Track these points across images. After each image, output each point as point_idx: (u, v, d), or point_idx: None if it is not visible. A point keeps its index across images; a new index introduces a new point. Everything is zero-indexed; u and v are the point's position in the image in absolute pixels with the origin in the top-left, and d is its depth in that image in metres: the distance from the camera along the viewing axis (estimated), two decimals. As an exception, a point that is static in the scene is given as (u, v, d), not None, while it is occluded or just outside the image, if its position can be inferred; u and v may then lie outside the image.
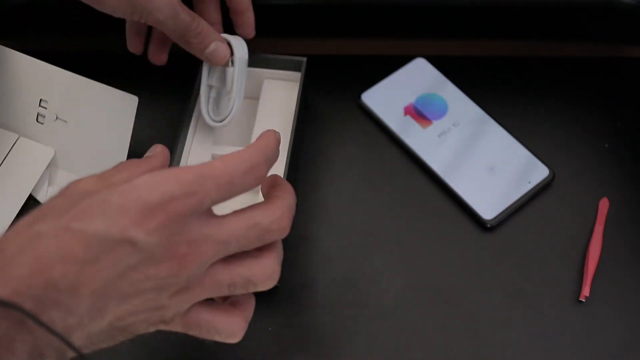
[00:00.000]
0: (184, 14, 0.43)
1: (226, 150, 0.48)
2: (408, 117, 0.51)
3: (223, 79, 0.48)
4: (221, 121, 0.48)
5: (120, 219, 0.28)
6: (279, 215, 0.33)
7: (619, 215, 0.48)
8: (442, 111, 0.52)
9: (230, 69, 0.47)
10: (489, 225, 0.47)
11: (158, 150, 0.37)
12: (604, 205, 0.48)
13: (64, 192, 0.31)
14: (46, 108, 0.50)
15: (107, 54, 0.57)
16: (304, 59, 0.50)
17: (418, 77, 0.54)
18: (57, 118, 0.50)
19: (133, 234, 0.28)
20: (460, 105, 0.52)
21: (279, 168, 0.46)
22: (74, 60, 0.50)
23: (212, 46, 0.45)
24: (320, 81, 0.52)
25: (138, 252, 0.28)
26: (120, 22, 0.57)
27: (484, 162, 0.50)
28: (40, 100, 0.50)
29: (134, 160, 0.35)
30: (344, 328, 0.45)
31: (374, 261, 0.47)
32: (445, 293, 0.46)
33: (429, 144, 0.50)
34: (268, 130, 0.35)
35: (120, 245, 0.28)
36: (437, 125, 0.51)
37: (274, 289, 0.36)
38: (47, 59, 0.49)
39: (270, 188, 0.36)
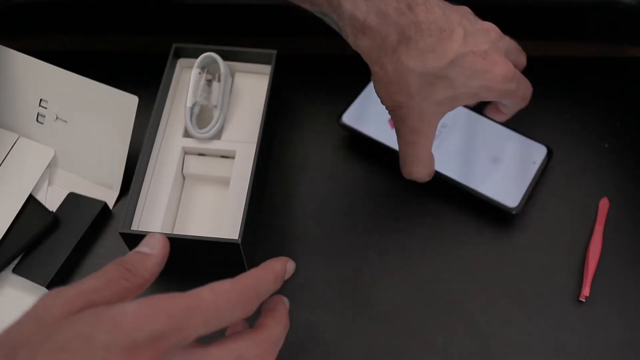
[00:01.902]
0: None
1: (196, 144, 0.49)
2: None
3: (209, 93, 0.50)
4: (205, 133, 0.49)
5: (107, 358, 0.26)
6: (264, 348, 0.32)
7: (619, 215, 0.48)
8: None
9: (216, 84, 0.50)
10: (514, 212, 0.47)
11: (156, 251, 0.33)
12: (604, 205, 0.48)
13: (36, 315, 0.28)
14: (46, 108, 0.50)
15: (107, 54, 0.57)
16: (274, 52, 0.50)
17: None
18: (57, 118, 0.50)
19: None
20: None
21: (248, 161, 0.47)
22: (74, 60, 0.50)
23: None
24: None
25: None
26: (120, 22, 0.57)
27: (486, 155, 0.49)
28: (40, 100, 0.50)
29: (117, 270, 0.31)
30: (344, 328, 0.45)
31: (374, 261, 0.47)
32: (445, 293, 0.46)
33: None
34: (274, 260, 0.35)
35: None
36: None
37: None
38: (47, 59, 0.49)
39: (267, 310, 0.35)
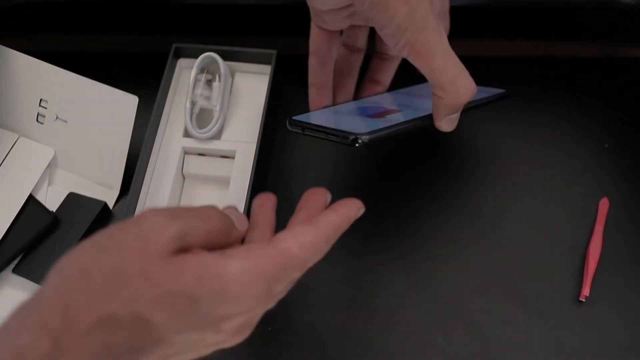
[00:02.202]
0: None
1: (196, 144, 0.49)
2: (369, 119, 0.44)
3: (209, 93, 0.50)
4: (205, 133, 0.48)
5: (205, 323, 0.28)
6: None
7: (619, 215, 0.48)
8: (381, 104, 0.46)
9: (216, 84, 0.50)
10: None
11: (241, 222, 0.34)
12: (604, 205, 0.48)
13: (142, 247, 0.27)
14: (46, 108, 0.50)
15: (107, 54, 0.57)
16: (274, 52, 0.50)
17: None
18: (57, 118, 0.50)
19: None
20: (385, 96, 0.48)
21: (248, 161, 0.47)
22: (74, 60, 0.50)
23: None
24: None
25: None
26: (120, 22, 0.57)
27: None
28: (40, 100, 0.50)
29: (223, 221, 0.31)
30: (344, 328, 0.45)
31: (374, 261, 0.47)
32: (445, 293, 0.46)
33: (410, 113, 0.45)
34: (348, 205, 0.36)
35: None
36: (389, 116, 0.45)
37: None
38: (47, 59, 0.49)
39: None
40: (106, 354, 0.26)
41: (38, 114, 0.51)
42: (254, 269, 0.28)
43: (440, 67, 0.37)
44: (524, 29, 0.55)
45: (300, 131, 0.40)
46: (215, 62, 0.50)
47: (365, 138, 0.37)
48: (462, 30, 0.56)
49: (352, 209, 0.36)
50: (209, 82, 0.51)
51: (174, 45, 0.51)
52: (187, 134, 0.50)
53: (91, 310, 0.26)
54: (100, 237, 0.28)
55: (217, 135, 0.50)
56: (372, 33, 0.44)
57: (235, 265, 0.28)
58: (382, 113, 0.43)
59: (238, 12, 0.55)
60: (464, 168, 0.51)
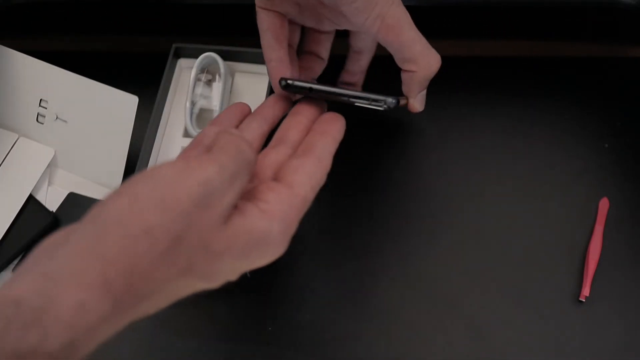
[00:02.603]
0: None
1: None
2: None
3: (209, 93, 0.50)
4: None
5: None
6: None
7: (619, 215, 0.48)
8: None
9: (216, 84, 0.50)
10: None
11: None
12: (604, 205, 0.48)
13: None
14: (46, 108, 0.50)
15: (107, 54, 0.57)
16: None
17: None
18: (57, 118, 0.50)
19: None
20: None
21: None
22: (74, 60, 0.50)
23: None
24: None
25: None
26: (120, 22, 0.57)
27: None
28: (40, 100, 0.50)
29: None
30: (344, 328, 0.45)
31: (374, 261, 0.47)
32: (445, 293, 0.46)
33: None
34: (338, 126, 0.38)
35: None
36: None
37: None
38: (47, 59, 0.49)
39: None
40: None
41: (38, 114, 0.51)
42: (288, 225, 0.32)
43: (410, 39, 0.39)
44: (524, 29, 0.55)
45: (306, 90, 0.39)
46: (215, 62, 0.50)
47: (392, 103, 0.39)
48: (462, 30, 0.56)
49: (341, 127, 0.38)
50: (209, 82, 0.51)
51: (174, 45, 0.51)
52: (187, 134, 0.50)
53: (152, 276, 0.26)
54: (164, 187, 0.27)
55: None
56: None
57: (275, 228, 0.31)
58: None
59: (238, 12, 0.55)
60: (464, 168, 0.51)
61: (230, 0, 0.54)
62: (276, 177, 0.34)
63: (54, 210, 0.49)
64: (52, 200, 0.50)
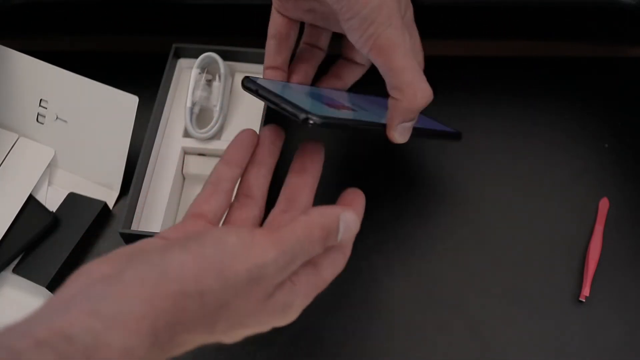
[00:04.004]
0: None
1: (196, 144, 0.49)
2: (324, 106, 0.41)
3: (209, 93, 0.50)
4: (205, 133, 0.49)
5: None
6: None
7: (619, 215, 0.48)
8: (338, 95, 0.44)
9: (216, 84, 0.49)
10: None
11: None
12: (604, 205, 0.48)
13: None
14: (46, 108, 0.50)
15: (107, 54, 0.57)
16: None
17: None
18: (57, 118, 0.50)
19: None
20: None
21: None
22: (74, 60, 0.50)
23: None
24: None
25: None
26: (120, 22, 0.57)
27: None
28: (40, 100, 0.50)
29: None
30: (344, 328, 0.45)
31: (374, 261, 0.47)
32: (445, 293, 0.46)
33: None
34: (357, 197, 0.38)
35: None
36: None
37: None
38: (47, 59, 0.49)
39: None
40: None
41: (38, 114, 0.51)
42: (308, 302, 0.34)
43: (400, 66, 0.37)
44: (524, 29, 0.55)
45: (254, 92, 0.38)
46: (215, 62, 0.50)
47: (318, 120, 0.36)
48: (462, 30, 0.56)
49: (362, 206, 0.38)
50: (209, 82, 0.51)
51: (174, 45, 0.51)
52: (187, 134, 0.50)
53: (192, 333, 0.28)
54: (226, 257, 0.29)
55: (217, 135, 0.50)
56: (338, 39, 0.44)
57: (298, 303, 0.33)
58: (337, 105, 0.41)
59: (238, 12, 0.55)
60: (464, 168, 0.51)
61: (230, 1, 0.54)
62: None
63: (54, 210, 0.49)
64: (52, 200, 0.50)
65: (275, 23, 0.42)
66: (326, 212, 0.33)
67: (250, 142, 0.39)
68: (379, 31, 0.37)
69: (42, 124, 0.51)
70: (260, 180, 0.39)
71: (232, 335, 0.31)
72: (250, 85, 0.39)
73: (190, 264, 0.28)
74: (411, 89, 0.38)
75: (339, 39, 0.43)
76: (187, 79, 0.51)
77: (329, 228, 0.33)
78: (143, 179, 0.47)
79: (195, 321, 0.28)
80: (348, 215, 0.34)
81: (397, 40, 0.37)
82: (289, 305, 0.32)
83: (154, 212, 0.46)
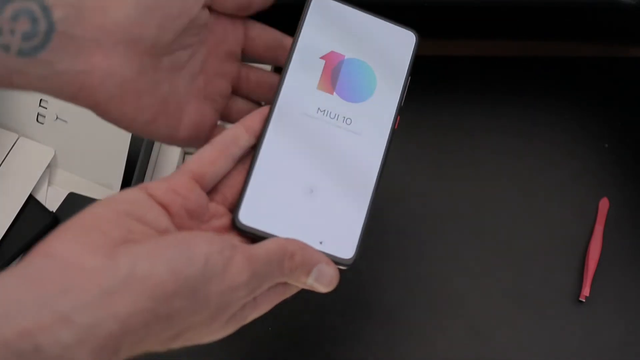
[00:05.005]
0: None
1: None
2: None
3: None
4: None
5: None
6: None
7: (619, 215, 0.48)
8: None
9: None
10: None
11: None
12: (604, 205, 0.48)
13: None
14: (46, 108, 0.50)
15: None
16: None
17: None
18: (57, 118, 0.50)
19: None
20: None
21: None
22: (74, 60, 0.50)
23: None
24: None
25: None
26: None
27: None
28: (40, 100, 0.50)
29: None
30: (343, 328, 0.45)
31: (374, 261, 0.47)
32: (445, 293, 0.46)
33: None
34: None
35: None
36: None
37: None
38: (47, 59, 0.49)
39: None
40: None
41: (38, 114, 0.51)
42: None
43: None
44: (524, 29, 0.55)
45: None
46: None
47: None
48: (462, 30, 0.56)
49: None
50: None
51: (174, 45, 0.51)
52: None
53: (145, 348, 0.28)
54: (203, 281, 0.28)
55: (217, 135, 0.50)
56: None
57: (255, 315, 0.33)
58: None
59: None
60: (464, 168, 0.51)
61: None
62: None
63: (54, 210, 0.49)
64: (52, 200, 0.50)
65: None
66: (308, 253, 0.32)
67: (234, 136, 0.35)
68: None
69: (42, 124, 0.51)
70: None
71: (182, 344, 0.30)
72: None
73: (170, 285, 0.27)
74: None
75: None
76: None
77: (306, 266, 0.32)
78: (143, 179, 0.47)
79: (154, 338, 0.27)
80: (327, 270, 0.33)
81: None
82: (244, 318, 0.32)
83: (154, 212, 0.46)
